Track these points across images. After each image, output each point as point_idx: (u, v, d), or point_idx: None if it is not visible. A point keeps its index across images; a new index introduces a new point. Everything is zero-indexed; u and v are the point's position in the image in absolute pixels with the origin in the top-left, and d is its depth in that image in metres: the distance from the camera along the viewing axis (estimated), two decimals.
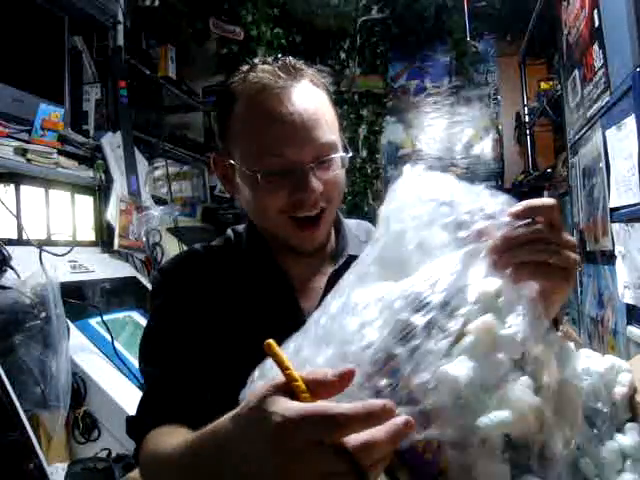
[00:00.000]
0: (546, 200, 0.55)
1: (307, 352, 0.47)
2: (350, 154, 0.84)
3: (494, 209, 0.54)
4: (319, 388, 0.42)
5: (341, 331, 0.47)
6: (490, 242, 0.52)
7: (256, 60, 0.84)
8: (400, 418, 0.40)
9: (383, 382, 0.43)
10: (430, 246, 0.52)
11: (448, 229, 0.52)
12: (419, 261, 0.51)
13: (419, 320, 0.45)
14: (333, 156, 0.79)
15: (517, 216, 0.54)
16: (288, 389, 0.42)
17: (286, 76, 0.79)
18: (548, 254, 0.53)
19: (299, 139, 0.76)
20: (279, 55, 0.83)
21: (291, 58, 0.82)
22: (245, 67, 0.83)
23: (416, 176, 0.57)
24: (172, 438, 0.61)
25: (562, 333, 0.60)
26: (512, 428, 0.43)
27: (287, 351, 0.47)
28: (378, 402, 0.40)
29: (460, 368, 0.43)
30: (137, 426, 0.75)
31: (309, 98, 0.79)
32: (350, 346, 0.45)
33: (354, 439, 0.40)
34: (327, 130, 0.79)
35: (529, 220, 0.54)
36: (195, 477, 0.53)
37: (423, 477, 0.44)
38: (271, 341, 0.43)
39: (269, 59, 0.83)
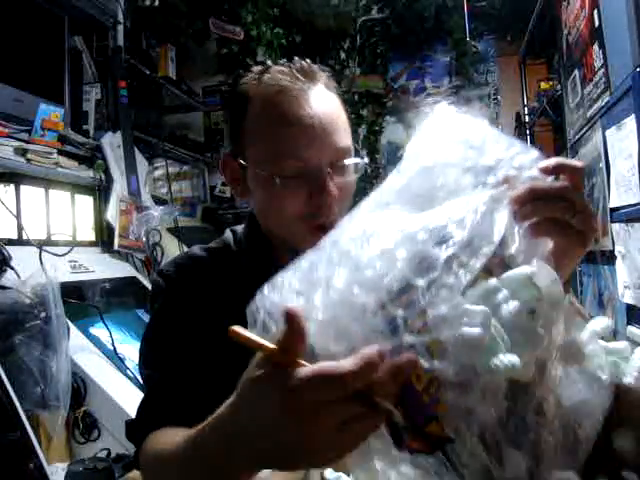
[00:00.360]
0: (575, 161, 0.56)
1: (322, 272, 0.46)
2: (366, 160, 0.84)
3: (524, 161, 0.53)
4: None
5: (358, 256, 0.46)
6: (514, 191, 0.52)
7: (268, 62, 0.84)
8: (405, 356, 0.41)
9: (398, 312, 0.43)
10: (456, 186, 0.51)
11: (475, 173, 0.51)
12: (444, 198, 0.50)
13: (441, 254, 0.44)
14: (350, 161, 0.79)
15: (546, 171, 0.54)
16: (278, 360, 0.43)
17: (304, 78, 0.78)
18: (569, 214, 0.53)
19: (318, 143, 0.76)
20: (294, 58, 0.83)
21: (306, 60, 0.82)
22: (257, 68, 0.83)
23: (449, 115, 0.56)
24: (173, 437, 0.61)
25: (569, 300, 0.60)
26: (519, 374, 0.43)
27: (300, 268, 0.47)
28: (373, 350, 0.41)
29: (478, 307, 0.43)
30: (137, 429, 0.75)
31: (326, 102, 0.79)
32: (367, 271, 0.44)
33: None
34: (344, 135, 0.79)
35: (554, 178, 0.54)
36: (202, 469, 0.53)
37: (416, 419, 0.43)
38: (235, 327, 0.44)
39: (281, 61, 0.82)
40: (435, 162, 0.52)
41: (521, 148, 0.54)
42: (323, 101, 0.78)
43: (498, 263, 0.47)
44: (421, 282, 0.43)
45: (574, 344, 0.49)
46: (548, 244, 0.52)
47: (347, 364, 0.40)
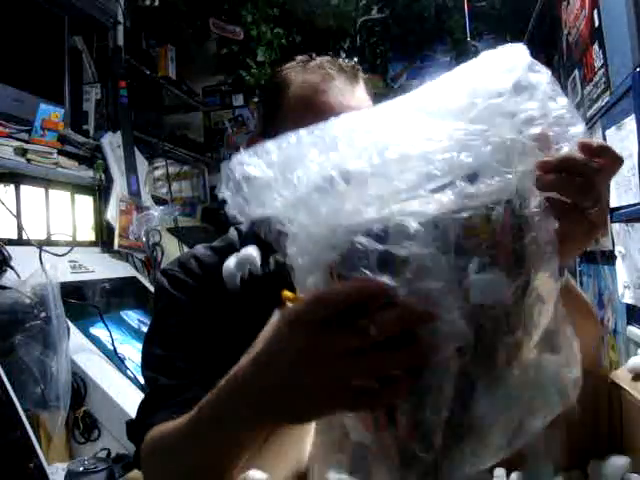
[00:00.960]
0: (618, 153, 0.52)
1: (313, 155, 0.43)
2: None
3: (569, 129, 0.49)
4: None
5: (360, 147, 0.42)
6: (545, 155, 0.47)
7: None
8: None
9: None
10: (489, 123, 0.45)
11: (513, 117, 0.46)
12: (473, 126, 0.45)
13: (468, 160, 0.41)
14: None
15: (586, 148, 0.49)
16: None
17: (349, 73, 0.80)
18: (591, 201, 0.49)
19: None
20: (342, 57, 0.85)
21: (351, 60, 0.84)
22: (302, 57, 0.84)
23: (516, 51, 0.50)
24: (177, 420, 0.60)
25: (564, 282, 0.58)
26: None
27: (286, 141, 0.44)
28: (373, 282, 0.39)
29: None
30: (138, 429, 0.74)
31: (366, 100, 0.80)
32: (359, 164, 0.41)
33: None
34: None
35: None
36: (217, 429, 0.52)
37: None
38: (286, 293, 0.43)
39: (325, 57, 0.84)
40: (478, 86, 0.46)
41: (572, 117, 0.49)
42: (363, 98, 0.80)
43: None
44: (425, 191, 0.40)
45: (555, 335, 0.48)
46: (554, 223, 0.47)
47: (343, 286, 0.40)
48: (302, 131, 0.44)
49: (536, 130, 0.46)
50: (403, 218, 0.38)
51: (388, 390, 0.40)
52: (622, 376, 0.65)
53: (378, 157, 0.41)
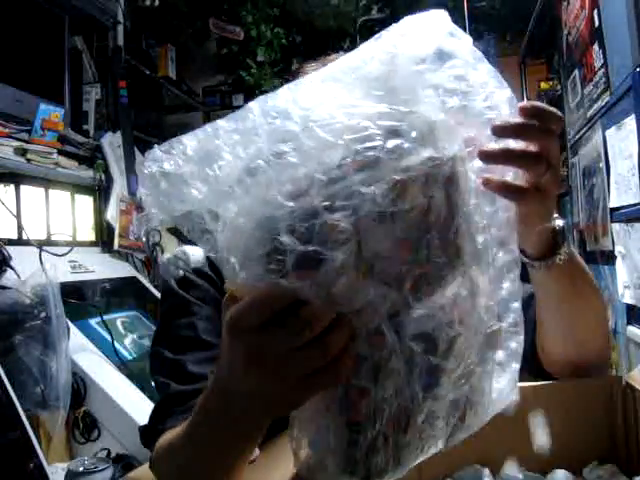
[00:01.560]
0: (556, 110, 0.49)
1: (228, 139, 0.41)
2: None
3: (496, 100, 0.47)
4: None
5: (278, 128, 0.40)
6: (485, 146, 0.46)
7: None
8: None
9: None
10: (413, 95, 0.43)
11: (437, 87, 0.44)
12: (398, 97, 0.43)
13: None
14: None
15: (524, 112, 0.47)
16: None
17: None
18: (541, 175, 0.48)
19: None
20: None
21: None
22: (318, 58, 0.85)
23: (438, 19, 0.48)
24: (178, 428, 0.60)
25: (564, 257, 0.57)
26: None
27: (205, 132, 0.42)
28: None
29: None
30: (150, 435, 0.73)
31: None
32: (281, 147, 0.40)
33: None
34: None
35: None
36: (210, 436, 0.52)
37: None
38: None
39: None
40: (402, 55, 0.44)
41: (497, 83, 0.47)
42: None
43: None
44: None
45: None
46: (513, 207, 0.47)
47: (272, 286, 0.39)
48: (220, 120, 0.43)
49: (459, 102, 0.44)
50: (328, 217, 0.38)
51: (337, 366, 0.40)
52: (637, 377, 0.65)
53: (300, 139, 0.40)
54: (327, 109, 0.41)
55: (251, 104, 0.43)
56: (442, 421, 0.43)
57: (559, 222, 0.58)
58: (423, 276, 0.41)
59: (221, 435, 0.50)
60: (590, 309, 0.66)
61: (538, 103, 0.48)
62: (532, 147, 0.48)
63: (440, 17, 0.48)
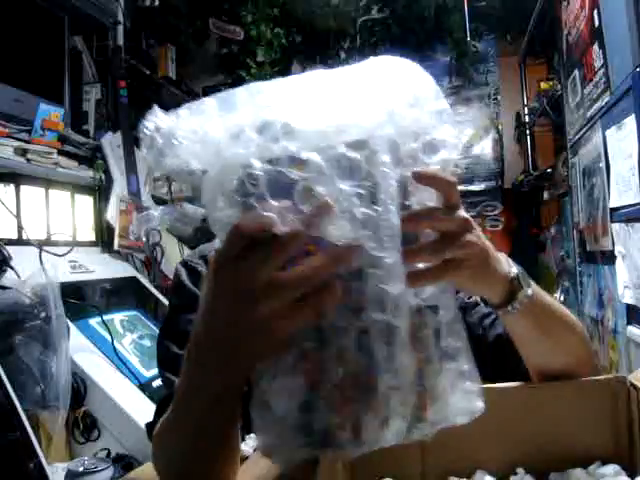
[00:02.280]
0: (448, 175, 0.49)
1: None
2: None
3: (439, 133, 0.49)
4: None
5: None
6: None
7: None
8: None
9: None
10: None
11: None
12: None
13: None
14: None
15: (419, 180, 0.48)
16: None
17: None
18: (453, 249, 0.49)
19: None
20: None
21: None
22: None
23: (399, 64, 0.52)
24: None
25: (523, 301, 0.58)
26: None
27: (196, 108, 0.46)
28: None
29: None
30: (152, 430, 0.73)
31: None
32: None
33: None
34: None
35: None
36: (193, 402, 0.51)
37: None
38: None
39: None
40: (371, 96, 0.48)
41: (446, 119, 0.49)
42: None
43: None
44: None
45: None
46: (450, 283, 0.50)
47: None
48: (207, 98, 0.46)
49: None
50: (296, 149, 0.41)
51: (321, 294, 0.41)
52: None
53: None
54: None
55: (238, 89, 0.47)
56: (400, 395, 0.43)
57: (514, 270, 0.59)
58: None
59: (198, 409, 0.50)
60: (561, 346, 0.66)
61: (431, 173, 0.48)
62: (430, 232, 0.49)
63: (408, 65, 0.53)
